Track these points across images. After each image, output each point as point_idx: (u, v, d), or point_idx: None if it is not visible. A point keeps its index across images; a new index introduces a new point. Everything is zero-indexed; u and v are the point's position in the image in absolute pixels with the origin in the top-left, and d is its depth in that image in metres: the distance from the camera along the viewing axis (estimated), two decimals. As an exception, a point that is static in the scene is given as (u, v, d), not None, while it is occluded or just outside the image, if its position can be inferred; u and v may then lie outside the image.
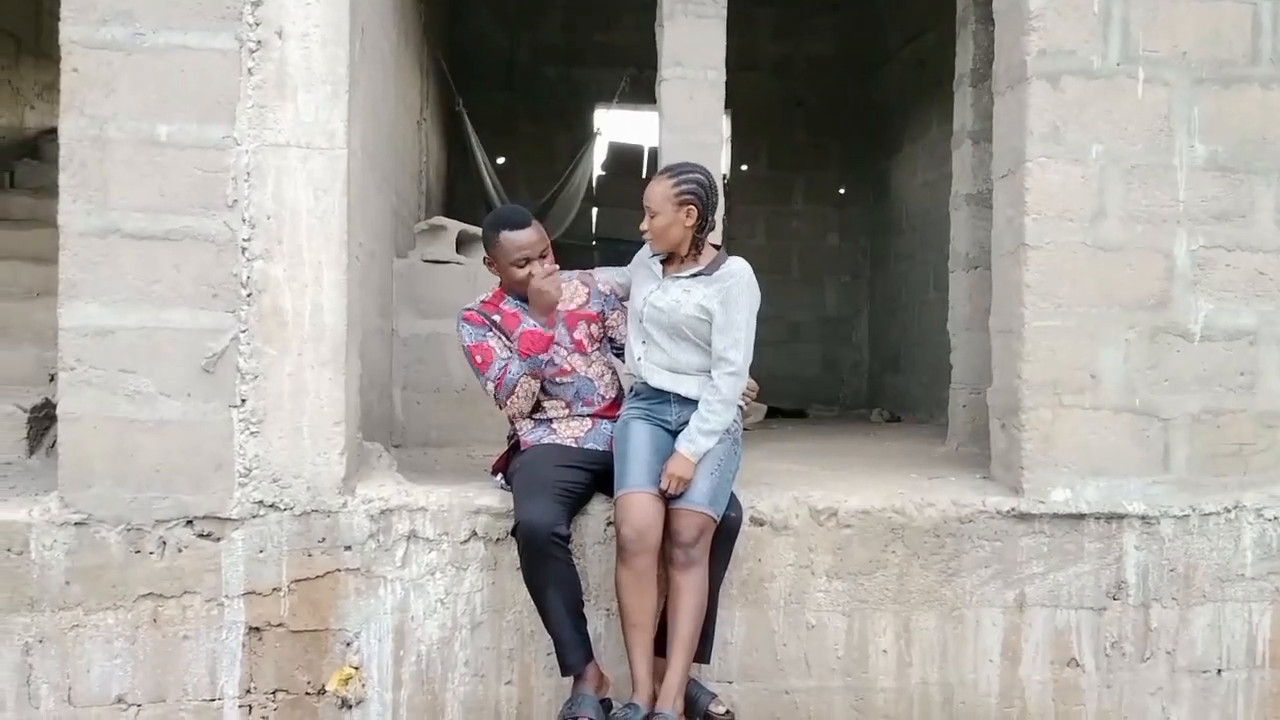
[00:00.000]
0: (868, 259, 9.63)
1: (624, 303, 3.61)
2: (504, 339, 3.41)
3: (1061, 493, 3.59)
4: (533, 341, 3.30)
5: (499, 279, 3.52)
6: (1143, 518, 3.63)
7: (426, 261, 4.75)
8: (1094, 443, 3.62)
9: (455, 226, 4.77)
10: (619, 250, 7.99)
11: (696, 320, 3.19)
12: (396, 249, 4.91)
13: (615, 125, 9.38)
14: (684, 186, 3.20)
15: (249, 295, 3.21)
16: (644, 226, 3.25)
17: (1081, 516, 3.60)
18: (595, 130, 8.97)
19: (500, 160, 8.74)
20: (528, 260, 3.36)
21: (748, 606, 3.46)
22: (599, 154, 9.09)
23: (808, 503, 3.50)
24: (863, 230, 9.65)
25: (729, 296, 3.18)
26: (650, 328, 3.26)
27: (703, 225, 3.24)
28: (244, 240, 3.20)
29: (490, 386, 3.38)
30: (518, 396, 3.35)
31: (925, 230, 7.98)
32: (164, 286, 3.17)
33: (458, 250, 4.78)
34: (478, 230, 4.92)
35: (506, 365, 3.35)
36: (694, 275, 3.25)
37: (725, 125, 6.30)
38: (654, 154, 9.95)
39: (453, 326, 4.71)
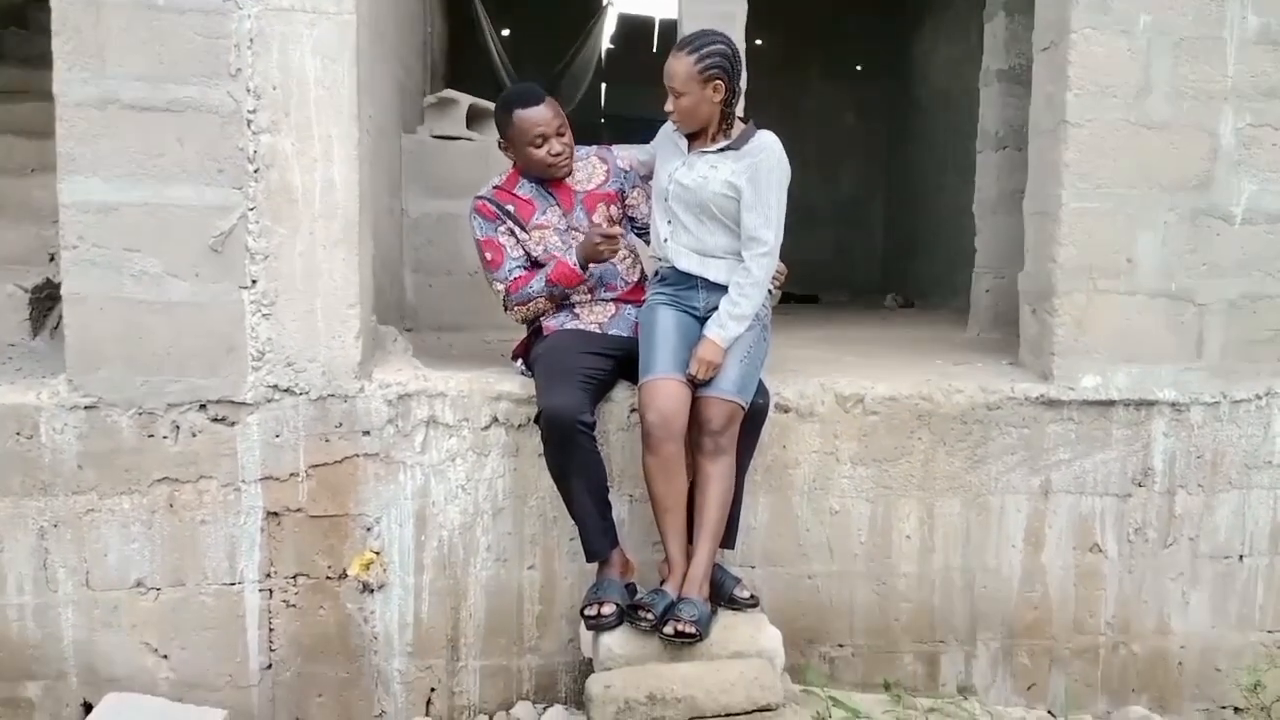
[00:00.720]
0: (884, 141, 9.38)
1: (645, 180, 3.47)
2: (517, 229, 3.28)
3: (1091, 379, 3.51)
4: (564, 276, 3.19)
5: (513, 161, 3.37)
6: (1173, 404, 3.56)
7: (436, 138, 4.57)
8: (1127, 329, 3.53)
9: (466, 100, 4.57)
10: (631, 127, 7.76)
11: (724, 198, 3.06)
12: (404, 124, 4.72)
13: (624, -3, 9.03)
14: (708, 61, 3.02)
15: (256, 171, 3.07)
16: (669, 107, 3.08)
17: (1111, 403, 3.53)
18: (605, 1, 8.61)
19: (504, 33, 8.42)
20: (544, 138, 3.21)
21: (771, 492, 3.42)
22: (608, 27, 8.76)
23: (834, 389, 3.42)
24: (880, 110, 9.37)
25: (758, 171, 3.04)
26: (676, 207, 3.12)
27: (731, 98, 3.07)
28: (249, 112, 3.04)
29: (500, 288, 3.27)
30: (527, 309, 3.26)
31: (946, 110, 7.74)
32: (167, 161, 3.02)
33: (469, 126, 4.59)
34: (489, 104, 4.74)
35: (523, 276, 3.24)
36: (721, 150, 3.10)
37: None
38: (664, 26, 9.64)
39: (464, 207, 4.62)
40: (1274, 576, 3.70)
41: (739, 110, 3.20)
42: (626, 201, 3.44)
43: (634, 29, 9.26)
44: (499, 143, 3.31)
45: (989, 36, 4.87)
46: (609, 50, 8.94)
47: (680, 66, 3.02)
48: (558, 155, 3.23)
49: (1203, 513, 3.63)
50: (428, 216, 4.63)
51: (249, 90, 3.04)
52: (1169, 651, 3.68)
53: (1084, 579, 3.60)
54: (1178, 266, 3.53)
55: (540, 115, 3.21)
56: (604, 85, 9.21)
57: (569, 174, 3.31)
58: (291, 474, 3.19)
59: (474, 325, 4.66)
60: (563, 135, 3.24)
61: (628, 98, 9.06)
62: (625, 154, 3.49)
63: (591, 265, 3.23)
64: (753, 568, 3.43)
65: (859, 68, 9.49)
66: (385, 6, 4.03)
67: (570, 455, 2.98)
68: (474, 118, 4.66)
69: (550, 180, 3.34)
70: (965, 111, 7.35)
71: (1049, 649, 3.60)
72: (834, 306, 7.51)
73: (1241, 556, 3.67)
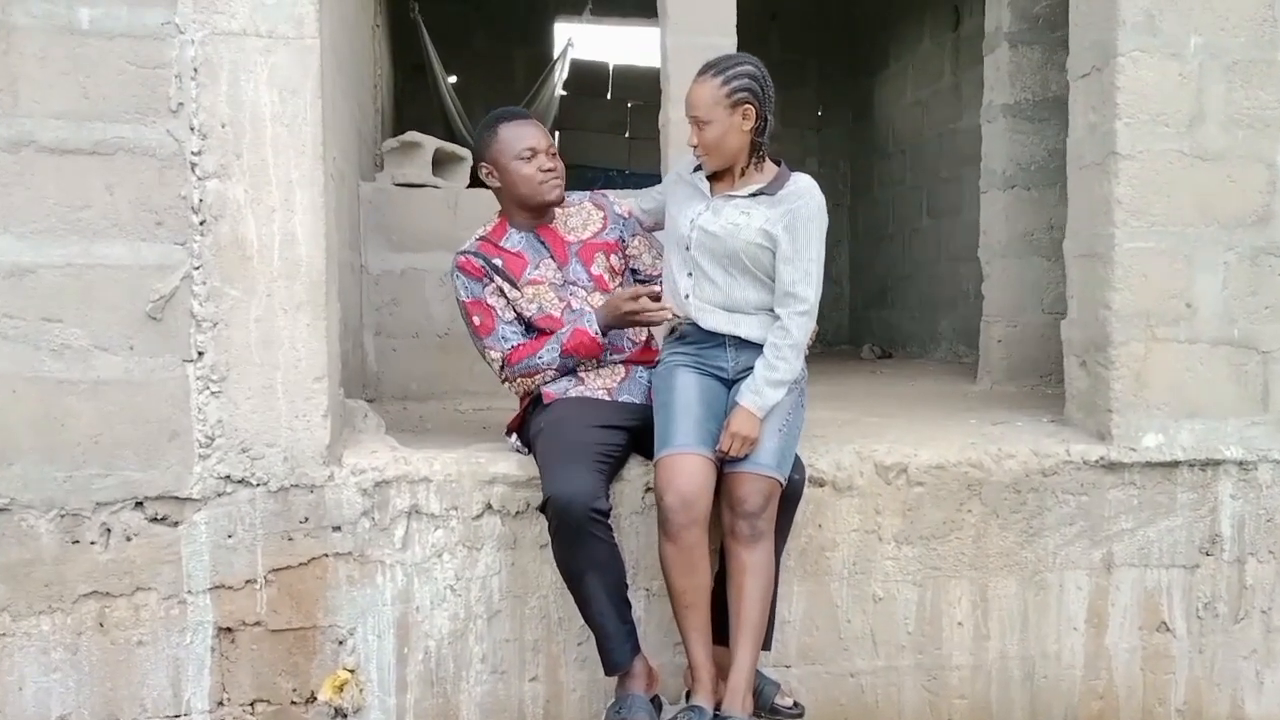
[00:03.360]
0: (848, 186, 9.10)
1: (646, 230, 3.07)
2: (507, 287, 2.84)
3: (1154, 438, 3.15)
4: (582, 346, 2.78)
5: (500, 205, 2.95)
6: (1240, 463, 3.21)
7: (398, 185, 4.12)
8: (1189, 380, 3.18)
9: (431, 143, 4.14)
10: (586, 177, 7.39)
11: (758, 248, 2.66)
12: (359, 171, 4.26)
13: (577, 41, 8.66)
14: (737, 84, 2.64)
15: (203, 223, 2.59)
16: (692, 141, 2.69)
17: (1175, 464, 3.16)
18: (567, 43, 8.24)
19: (452, 79, 8.01)
20: (534, 152, 2.81)
21: (807, 579, 2.99)
22: (561, 74, 8.40)
23: (873, 458, 3.01)
24: (843, 154, 9.11)
25: (797, 220, 2.65)
26: (699, 257, 2.71)
27: (763, 128, 2.69)
28: (193, 154, 2.58)
29: (495, 356, 2.84)
30: (531, 382, 2.84)
31: (917, 153, 7.49)
32: (95, 213, 2.54)
33: (434, 172, 4.15)
34: (456, 149, 4.32)
35: (526, 345, 2.82)
36: (754, 195, 2.70)
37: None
38: (619, 72, 9.33)
39: (430, 261, 4.18)
40: (1351, 649, 3.35)
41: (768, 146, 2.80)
42: (627, 251, 3.03)
43: (588, 75, 8.92)
44: (480, 168, 2.90)
45: (991, 70, 4.58)
46: (561, 97, 8.56)
47: (704, 91, 2.63)
48: (549, 171, 2.82)
49: (1275, 582, 3.26)
50: (390, 273, 4.16)
51: (193, 129, 2.58)
52: (1245, 739, 3.29)
53: (1151, 662, 3.20)
54: (1239, 311, 3.20)
55: (529, 131, 2.84)
56: (557, 134, 8.84)
57: (560, 200, 2.90)
58: (248, 581, 2.68)
59: (444, 393, 4.20)
60: (553, 156, 2.86)
61: (582, 146, 8.71)
62: (622, 201, 3.09)
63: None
64: (788, 667, 2.98)
65: (820, 112, 9.24)
66: (343, 36, 3.59)
67: (584, 550, 2.52)
68: (439, 162, 4.22)
69: (540, 227, 2.92)
70: (938, 155, 7.13)
71: (1117, 743, 3.20)
72: (811, 359, 7.13)
73: (1316, 629, 3.31)
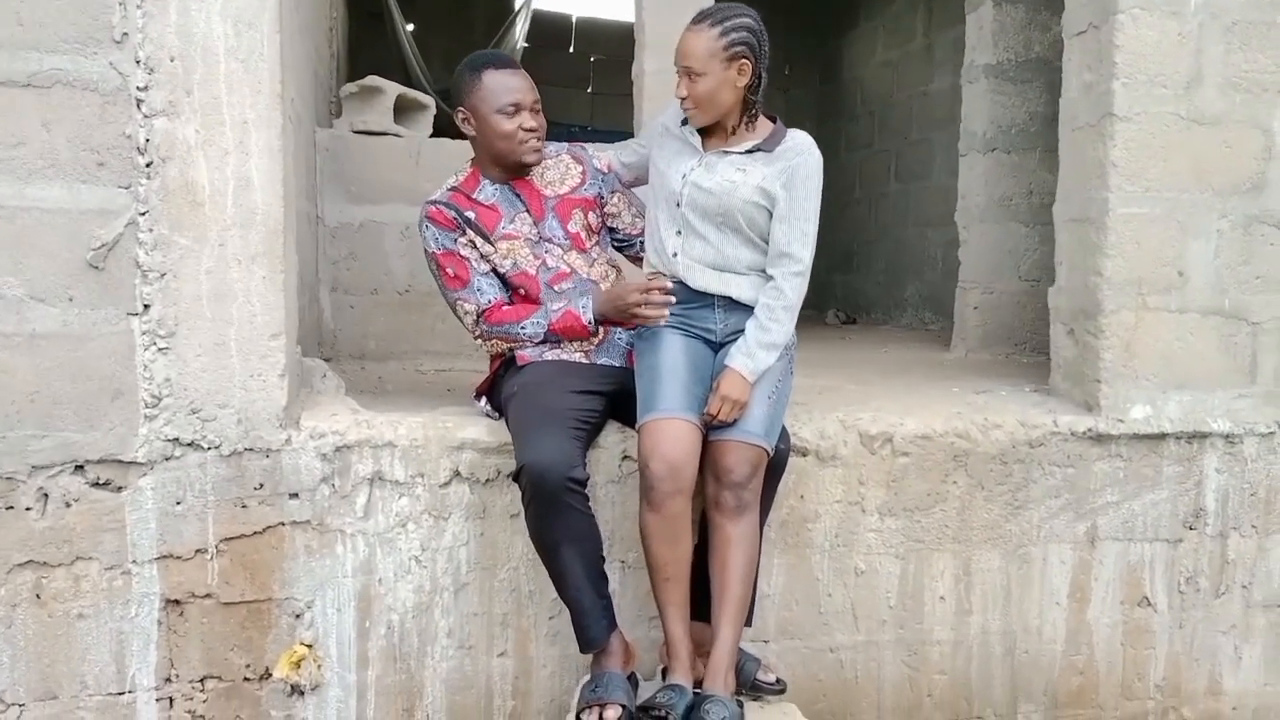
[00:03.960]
0: (813, 147, 8.94)
1: (625, 185, 2.91)
2: (480, 240, 2.67)
3: (1141, 409, 3.08)
4: (570, 330, 2.62)
5: (474, 151, 2.77)
6: (1225, 436, 3.15)
7: (357, 133, 3.90)
8: (1178, 351, 3.10)
9: (394, 89, 3.91)
10: (550, 132, 7.16)
11: (755, 207, 2.51)
12: (316, 118, 4.03)
13: (538, -8, 8.39)
14: (735, 36, 2.47)
15: (149, 165, 2.38)
16: (682, 93, 2.51)
17: (1162, 436, 3.09)
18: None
19: (409, 27, 7.71)
20: (518, 108, 2.62)
21: (787, 551, 2.88)
22: (522, 25, 8.13)
23: (857, 427, 2.90)
24: (809, 116, 8.93)
25: (796, 178, 2.51)
26: (691, 214, 2.55)
27: (757, 84, 2.53)
28: (139, 89, 2.36)
29: (469, 310, 2.67)
30: (505, 345, 2.68)
31: (885, 116, 7.36)
32: (30, 151, 2.32)
33: (396, 120, 3.93)
34: (419, 95, 4.11)
35: (508, 309, 2.66)
36: (750, 151, 2.55)
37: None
38: (582, 25, 9.07)
39: (391, 214, 3.97)
40: (1327, 624, 3.32)
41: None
42: (605, 209, 2.87)
43: (551, 28, 8.66)
44: (457, 113, 2.69)
45: (973, 29, 4.45)
46: (524, 50, 8.30)
47: (699, 42, 2.46)
48: (531, 131, 2.64)
49: (1256, 557, 3.22)
50: (348, 225, 3.95)
51: (139, 62, 2.36)
52: (1221, 714, 3.25)
53: (1132, 637, 3.15)
54: (1230, 280, 3.12)
55: (516, 83, 2.64)
56: (518, 87, 8.58)
57: (538, 162, 2.73)
58: (198, 550, 2.51)
59: (404, 352, 4.01)
60: (537, 114, 2.66)
61: (544, 101, 8.44)
62: (601, 154, 2.92)
63: (569, 277, 2.70)
64: (766, 642, 2.88)
65: (786, 71, 9.06)
66: (301, -28, 3.35)
67: (561, 521, 2.38)
68: (401, 110, 4.00)
69: (515, 179, 2.74)
70: (909, 117, 7.01)
71: (1095, 719, 3.14)
72: (776, 323, 7.02)
73: (1295, 604, 3.28)
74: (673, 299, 2.53)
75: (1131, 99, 2.99)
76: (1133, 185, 3.02)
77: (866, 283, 7.63)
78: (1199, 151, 3.06)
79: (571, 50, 8.93)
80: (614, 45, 9.29)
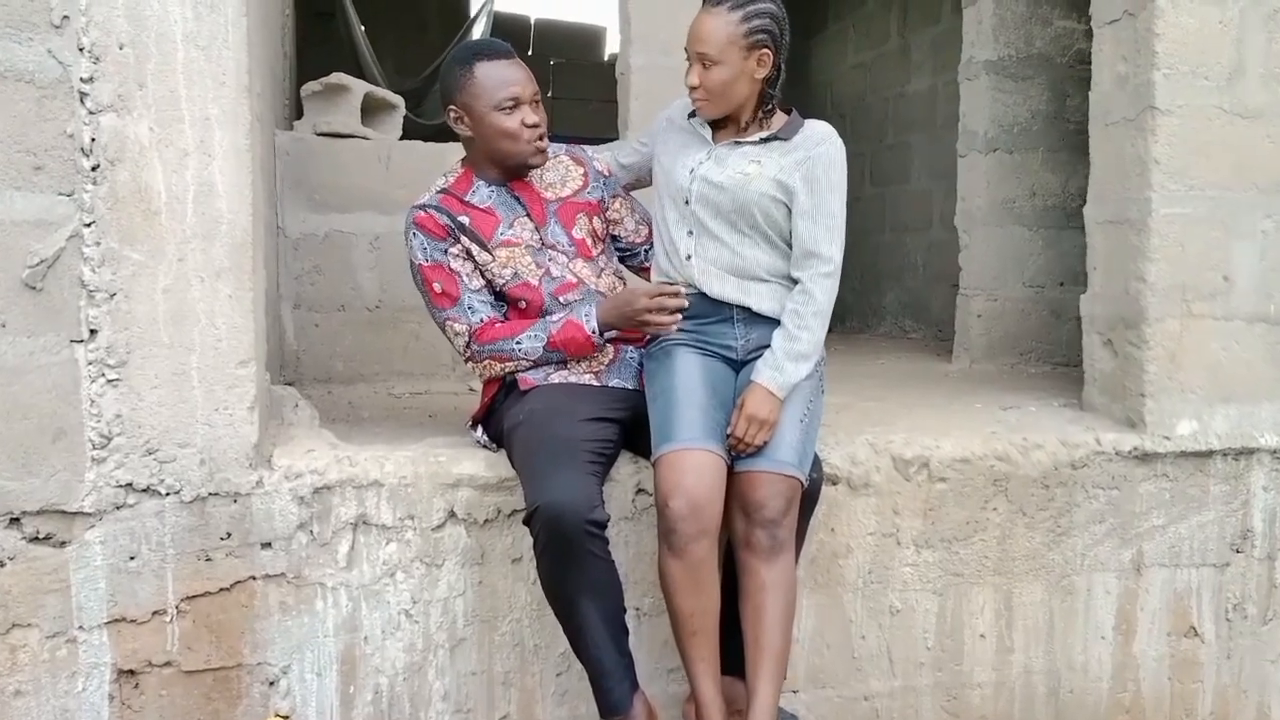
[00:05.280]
0: (781, 152, 8.73)
1: (625, 188, 2.65)
2: (476, 249, 2.37)
3: (1188, 425, 2.85)
4: (573, 342, 2.33)
5: (466, 151, 2.48)
6: (1273, 451, 2.94)
7: (321, 135, 3.57)
8: (1224, 361, 2.89)
9: (361, 88, 3.59)
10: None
11: (771, 201, 2.25)
12: (275, 119, 3.70)
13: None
14: (757, 23, 2.21)
15: (95, 168, 2.06)
16: (693, 81, 2.25)
17: (1209, 454, 2.87)
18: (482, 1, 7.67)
19: (360, 28, 7.37)
20: (518, 102, 2.32)
21: (817, 591, 2.61)
22: (480, 28, 7.83)
23: (889, 451, 2.64)
24: (776, 119, 8.74)
25: (817, 168, 2.26)
26: (702, 212, 2.28)
27: (776, 77, 2.28)
28: (83, 81, 2.04)
29: (459, 330, 2.37)
30: (500, 367, 2.39)
31: (858, 119, 7.14)
32: (-49, 153, 1.99)
33: (364, 121, 3.61)
34: (388, 95, 3.80)
35: (499, 326, 2.37)
36: (764, 141, 2.29)
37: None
38: (540, 27, 8.79)
39: (358, 224, 3.65)
40: (1374, 649, 3.13)
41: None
42: (608, 215, 2.59)
43: (508, 30, 8.35)
44: (449, 112, 2.39)
45: (971, 23, 4.23)
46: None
47: (718, 26, 2.19)
48: (534, 127, 2.34)
49: (1304, 580, 3.02)
50: (312, 236, 3.61)
51: (82, 49, 2.04)
52: (1270, 749, 3.05)
53: (1179, 670, 2.92)
54: (1276, 284, 2.91)
55: (513, 75, 2.34)
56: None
57: (543, 163, 2.44)
58: (155, 612, 2.18)
59: (374, 374, 3.68)
60: (538, 108, 2.37)
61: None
62: (600, 156, 2.65)
63: (576, 288, 2.43)
64: (795, 692, 2.60)
65: (751, 76, 8.84)
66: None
67: (579, 571, 2.09)
68: (368, 110, 3.68)
69: (513, 180, 2.45)
70: (884, 119, 6.81)
71: (1143, 760, 2.92)
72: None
73: (1342, 629, 3.08)
74: (685, 303, 2.26)
75: (1173, 91, 2.78)
76: (1176, 184, 2.80)
77: (842, 290, 7.34)
78: (1241, 147, 2.86)
79: (530, 53, 8.63)
80: (573, 49, 9.03)
